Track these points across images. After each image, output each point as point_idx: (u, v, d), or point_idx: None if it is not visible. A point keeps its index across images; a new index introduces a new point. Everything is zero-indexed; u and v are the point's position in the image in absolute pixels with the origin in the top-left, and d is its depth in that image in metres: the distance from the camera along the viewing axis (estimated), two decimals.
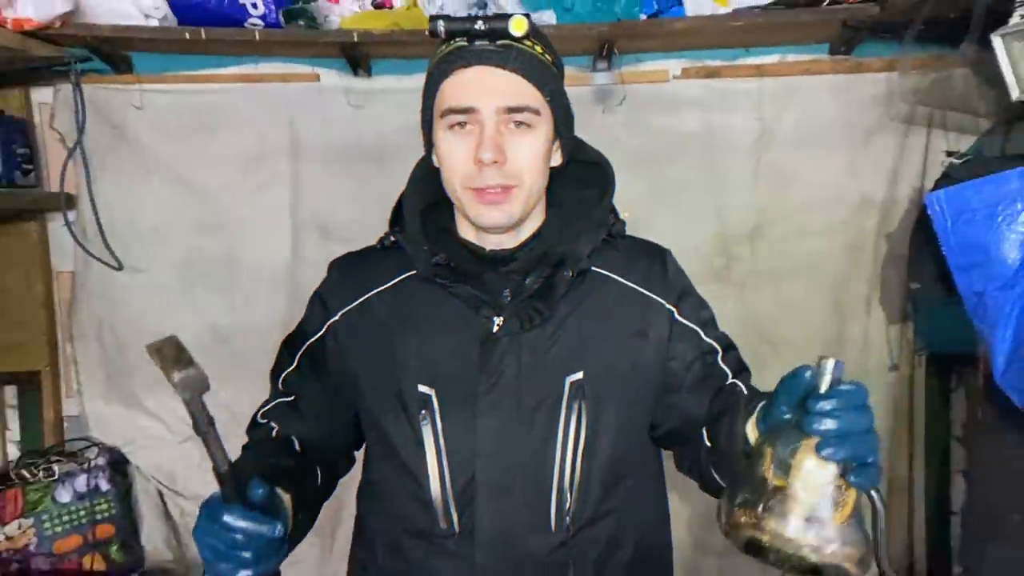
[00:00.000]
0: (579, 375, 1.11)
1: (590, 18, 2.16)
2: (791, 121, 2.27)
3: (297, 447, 1.16)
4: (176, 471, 2.45)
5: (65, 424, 2.47)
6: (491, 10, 2.19)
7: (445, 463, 1.11)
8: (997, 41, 1.56)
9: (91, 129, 2.27)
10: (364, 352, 1.18)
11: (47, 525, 2.17)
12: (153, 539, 2.43)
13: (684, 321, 1.17)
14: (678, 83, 2.31)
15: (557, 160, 1.16)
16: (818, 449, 0.78)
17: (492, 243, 1.16)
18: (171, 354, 0.83)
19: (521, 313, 1.11)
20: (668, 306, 1.17)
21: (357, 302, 1.19)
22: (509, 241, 1.15)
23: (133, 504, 2.42)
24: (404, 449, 1.14)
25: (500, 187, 1.07)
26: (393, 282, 1.19)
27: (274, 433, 1.19)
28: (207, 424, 0.83)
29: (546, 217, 1.20)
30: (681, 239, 2.27)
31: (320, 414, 1.21)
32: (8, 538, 2.13)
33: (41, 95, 2.33)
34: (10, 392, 2.45)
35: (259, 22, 2.14)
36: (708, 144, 2.32)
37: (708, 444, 1.10)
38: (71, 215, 2.33)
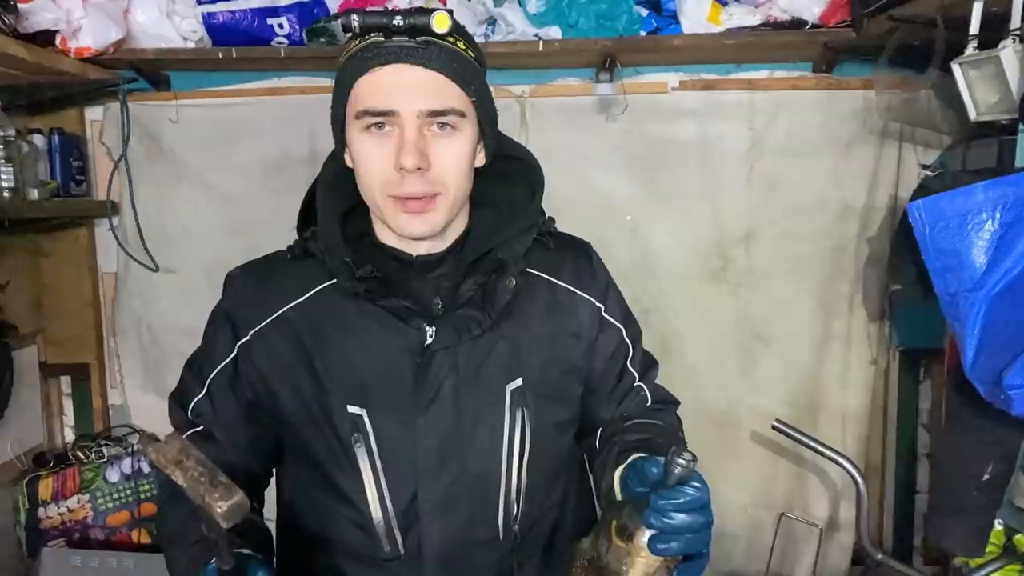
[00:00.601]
0: (519, 382, 1.06)
1: (593, 34, 2.26)
2: (779, 132, 2.40)
3: None
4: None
5: (111, 412, 2.67)
6: (500, 24, 2.34)
7: (384, 485, 1.03)
8: (956, 68, 1.71)
9: (133, 142, 2.45)
10: (282, 373, 1.06)
11: (101, 501, 2.37)
12: None
13: (609, 318, 1.14)
14: (676, 94, 2.43)
15: (481, 160, 1.07)
16: (650, 541, 0.80)
17: (418, 248, 1.06)
18: (204, 475, 0.78)
19: (457, 323, 1.02)
20: (596, 303, 1.13)
21: (270, 318, 1.06)
22: (436, 246, 1.06)
23: None
24: (337, 474, 1.04)
25: (423, 195, 0.98)
26: (309, 294, 1.07)
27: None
28: (222, 531, 0.79)
29: (472, 218, 1.11)
30: (680, 241, 2.48)
31: (238, 442, 1.09)
32: (70, 510, 2.34)
33: (92, 113, 2.52)
34: (65, 382, 2.64)
35: (284, 40, 2.28)
36: (704, 152, 2.44)
37: (596, 448, 1.11)
38: (114, 220, 2.52)
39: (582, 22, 2.30)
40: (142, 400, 2.63)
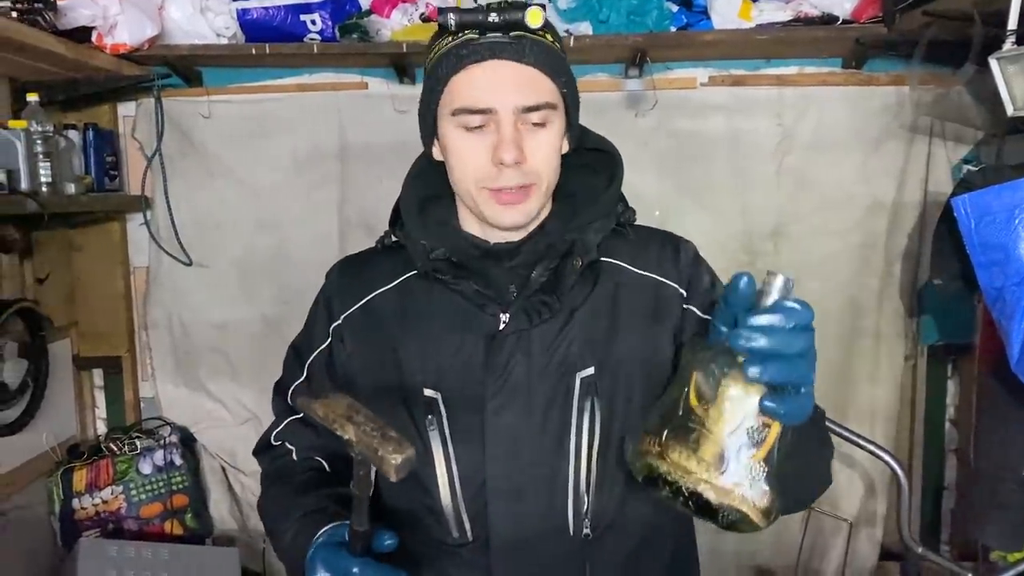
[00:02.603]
0: (590, 370, 1.03)
1: (624, 30, 2.28)
2: (808, 128, 2.40)
3: (327, 467, 1.14)
4: (236, 450, 2.64)
5: (142, 405, 2.70)
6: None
7: (455, 470, 1.04)
8: (994, 63, 1.70)
9: (165, 137, 2.47)
10: (367, 355, 1.11)
11: (134, 492, 2.40)
12: (219, 510, 2.65)
13: (694, 309, 1.08)
14: (705, 90, 2.44)
15: (566, 147, 1.09)
16: (744, 368, 0.67)
17: (497, 236, 1.08)
18: (376, 430, 0.79)
19: (528, 308, 1.03)
20: (680, 289, 1.08)
21: (360, 303, 1.12)
22: (515, 234, 1.08)
23: (202, 478, 2.65)
24: None
25: (519, 187, 1.00)
26: (396, 282, 1.12)
27: (293, 456, 1.15)
28: (367, 493, 0.83)
29: (553, 208, 1.12)
30: (708, 236, 2.47)
31: None
32: (104, 502, 2.37)
33: (125, 109, 2.55)
34: (97, 375, 2.67)
35: (317, 36, 2.29)
36: (733, 147, 2.44)
37: None
38: (147, 215, 2.55)
39: (613, 18, 2.32)
40: (173, 393, 2.66)
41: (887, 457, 1.60)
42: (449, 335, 1.06)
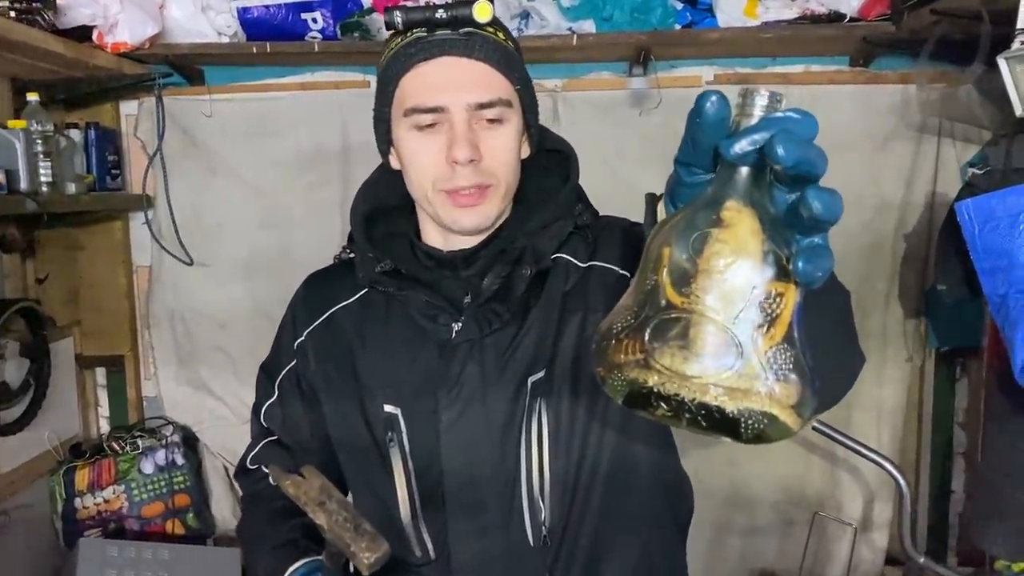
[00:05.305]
0: (541, 374, 0.99)
1: (628, 27, 2.25)
2: None
3: None
4: (239, 450, 2.57)
5: (144, 404, 2.70)
6: (534, 18, 2.34)
7: (415, 487, 1.01)
8: (1002, 63, 1.67)
9: (167, 136, 2.47)
10: (329, 370, 1.09)
11: (135, 492, 2.40)
12: (221, 510, 2.65)
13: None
14: (710, 88, 2.43)
15: (526, 152, 1.05)
16: (773, 152, 0.48)
17: (457, 244, 1.04)
18: (348, 521, 0.77)
19: (479, 317, 0.99)
20: (620, 271, 1.03)
21: (322, 318, 1.10)
22: (473, 240, 1.03)
23: (203, 478, 2.65)
24: (373, 475, 1.04)
25: (476, 187, 0.96)
26: (357, 296, 1.09)
27: (270, 479, 1.13)
28: (338, 563, 0.83)
29: (511, 212, 1.07)
30: None
31: (309, 448, 1.13)
32: (106, 501, 2.37)
33: (127, 107, 2.54)
34: (99, 374, 2.68)
35: (318, 35, 2.28)
36: None
37: None
38: (149, 214, 2.54)
39: (616, 15, 2.29)
40: (175, 392, 2.66)
41: (889, 466, 1.57)
42: (404, 348, 1.03)
